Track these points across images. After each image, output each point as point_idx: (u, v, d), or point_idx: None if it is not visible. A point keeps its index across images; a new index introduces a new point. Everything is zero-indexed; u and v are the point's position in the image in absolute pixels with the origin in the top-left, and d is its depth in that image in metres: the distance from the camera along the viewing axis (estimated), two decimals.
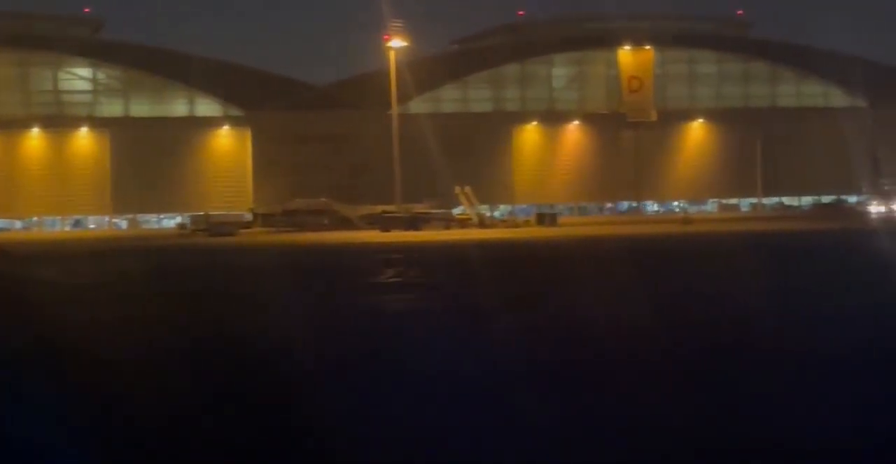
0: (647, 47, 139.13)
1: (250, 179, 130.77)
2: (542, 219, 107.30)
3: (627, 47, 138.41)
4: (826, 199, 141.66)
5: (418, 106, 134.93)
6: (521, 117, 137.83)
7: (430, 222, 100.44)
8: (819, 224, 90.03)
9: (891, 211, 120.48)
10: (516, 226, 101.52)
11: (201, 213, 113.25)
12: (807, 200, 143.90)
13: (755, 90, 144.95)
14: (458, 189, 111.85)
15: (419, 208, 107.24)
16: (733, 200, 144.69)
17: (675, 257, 52.71)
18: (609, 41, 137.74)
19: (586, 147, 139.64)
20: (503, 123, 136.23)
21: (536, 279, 39.02)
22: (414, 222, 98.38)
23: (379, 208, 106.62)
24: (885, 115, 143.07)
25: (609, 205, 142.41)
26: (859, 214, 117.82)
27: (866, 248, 53.91)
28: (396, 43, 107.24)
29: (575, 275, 40.33)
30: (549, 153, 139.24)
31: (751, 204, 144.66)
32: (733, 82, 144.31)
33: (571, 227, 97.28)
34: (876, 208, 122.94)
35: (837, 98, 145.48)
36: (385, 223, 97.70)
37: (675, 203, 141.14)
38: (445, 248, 65.08)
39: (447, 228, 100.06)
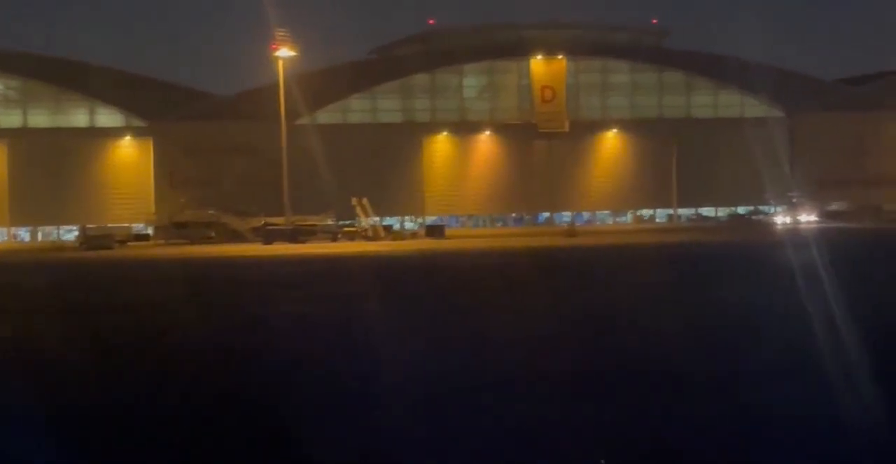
0: (560, 57, 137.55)
1: (153, 190, 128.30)
2: (430, 231, 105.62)
3: (540, 57, 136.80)
4: (743, 210, 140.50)
5: (326, 116, 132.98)
6: (432, 128, 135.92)
7: (316, 235, 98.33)
8: (714, 236, 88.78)
9: (797, 222, 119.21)
10: (402, 238, 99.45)
11: (91, 225, 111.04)
12: (724, 212, 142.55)
13: (670, 100, 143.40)
14: (354, 201, 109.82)
15: (310, 220, 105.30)
16: (649, 211, 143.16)
17: (502, 272, 50.95)
18: (521, 51, 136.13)
19: (498, 158, 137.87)
20: (413, 133, 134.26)
21: (295, 297, 37.15)
22: (296, 235, 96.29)
23: (278, 220, 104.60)
24: (802, 124, 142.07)
25: (525, 216, 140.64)
26: (764, 225, 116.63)
27: (722, 261, 52.47)
28: (284, 52, 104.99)
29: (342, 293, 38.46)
30: (460, 164, 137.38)
31: (667, 215, 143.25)
32: (648, 92, 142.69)
33: (458, 239, 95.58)
34: (782, 219, 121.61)
35: (754, 108, 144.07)
36: (268, 236, 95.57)
37: (567, 215, 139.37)
38: (277, 263, 63.21)
39: (334, 240, 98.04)
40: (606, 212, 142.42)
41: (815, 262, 46.06)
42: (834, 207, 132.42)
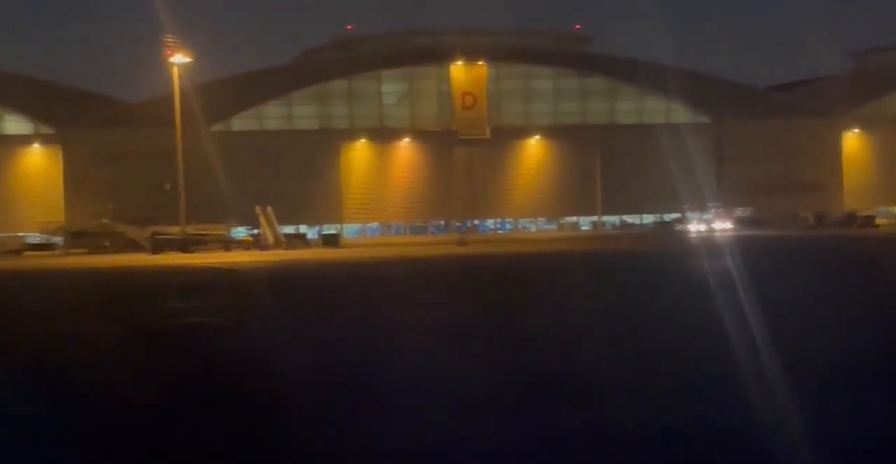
0: (481, 63, 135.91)
1: (62, 198, 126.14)
2: (325, 240, 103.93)
3: (460, 63, 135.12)
4: (668, 217, 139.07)
5: (242, 123, 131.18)
6: (350, 135, 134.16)
7: (207, 244, 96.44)
8: (619, 244, 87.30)
9: (711, 230, 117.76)
10: (294, 248, 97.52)
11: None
12: (650, 219, 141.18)
13: (594, 106, 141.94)
14: (258, 209, 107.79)
15: (213, 229, 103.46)
16: (573, 219, 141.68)
17: (359, 281, 49.22)
18: (441, 56, 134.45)
19: (418, 165, 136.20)
20: (331, 140, 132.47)
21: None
22: (185, 245, 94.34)
23: (174, 229, 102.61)
24: (727, 130, 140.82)
25: (454, 223, 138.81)
26: (678, 233, 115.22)
27: (597, 271, 50.81)
28: (179, 58, 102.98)
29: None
30: (379, 171, 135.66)
31: (592, 222, 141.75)
32: (571, 98, 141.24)
33: (353, 248, 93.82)
34: (696, 227, 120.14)
35: (679, 114, 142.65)
36: (157, 245, 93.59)
37: (490, 223, 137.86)
38: (133, 273, 61.25)
39: (228, 249, 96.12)
40: (529, 219, 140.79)
41: (688, 272, 44.76)
42: (747, 214, 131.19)
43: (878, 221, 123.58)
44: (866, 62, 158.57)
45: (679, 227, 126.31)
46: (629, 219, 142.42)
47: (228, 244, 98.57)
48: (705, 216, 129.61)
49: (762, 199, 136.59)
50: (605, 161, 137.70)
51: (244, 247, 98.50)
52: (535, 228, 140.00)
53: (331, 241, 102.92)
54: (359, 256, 76.68)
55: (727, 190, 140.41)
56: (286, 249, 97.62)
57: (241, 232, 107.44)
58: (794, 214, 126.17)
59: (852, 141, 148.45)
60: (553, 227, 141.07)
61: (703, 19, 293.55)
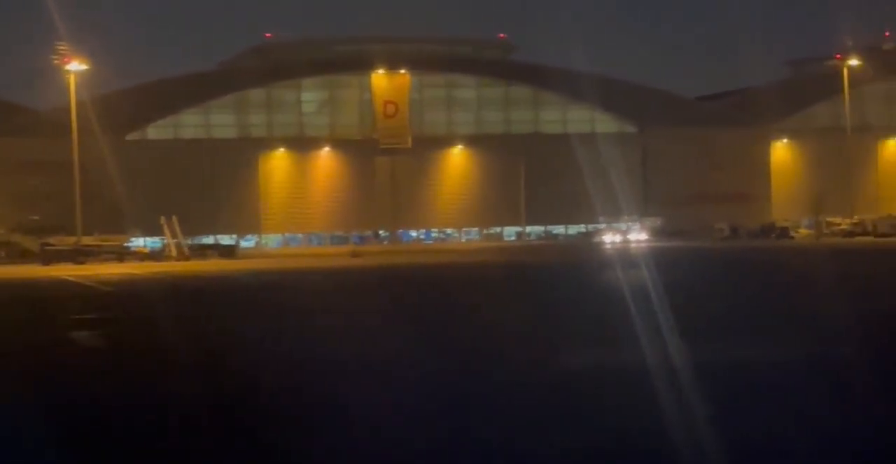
0: (403, 71, 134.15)
1: None
2: (222, 252, 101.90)
3: (382, 71, 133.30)
4: (592, 228, 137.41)
5: (157, 132, 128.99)
6: (269, 144, 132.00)
7: (99, 255, 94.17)
8: (522, 256, 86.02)
9: (627, 241, 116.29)
10: (186, 259, 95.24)
11: None
12: (575, 229, 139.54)
13: (518, 115, 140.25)
14: (162, 220, 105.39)
15: (112, 240, 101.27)
16: (496, 229, 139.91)
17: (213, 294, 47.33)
18: (363, 64, 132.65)
19: (339, 174, 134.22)
20: (249, 149, 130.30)
21: None
22: (76, 255, 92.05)
23: (70, 240, 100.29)
24: (653, 140, 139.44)
25: (380, 234, 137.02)
26: (592, 244, 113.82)
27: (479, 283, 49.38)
28: (75, 66, 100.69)
29: None
30: (299, 181, 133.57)
31: (516, 233, 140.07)
32: (495, 107, 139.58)
33: (250, 260, 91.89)
34: (611, 238, 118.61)
35: (605, 123, 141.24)
36: (47, 256, 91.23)
37: (413, 233, 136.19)
38: None
39: (121, 260, 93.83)
40: (452, 230, 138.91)
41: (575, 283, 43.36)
42: (662, 225, 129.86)
43: (802, 231, 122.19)
44: (802, 72, 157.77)
45: (597, 238, 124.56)
46: (555, 229, 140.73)
47: (122, 255, 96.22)
48: (622, 227, 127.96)
49: (687, 209, 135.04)
50: (529, 171, 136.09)
51: (139, 258, 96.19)
52: (460, 239, 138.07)
53: (227, 252, 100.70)
54: (236, 268, 74.74)
55: (653, 200, 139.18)
56: (186, 260, 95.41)
57: (138, 243, 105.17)
58: (710, 226, 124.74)
59: (781, 151, 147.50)
60: (476, 237, 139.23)
61: (635, 29, 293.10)
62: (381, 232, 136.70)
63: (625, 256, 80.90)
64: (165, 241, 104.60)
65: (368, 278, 57.93)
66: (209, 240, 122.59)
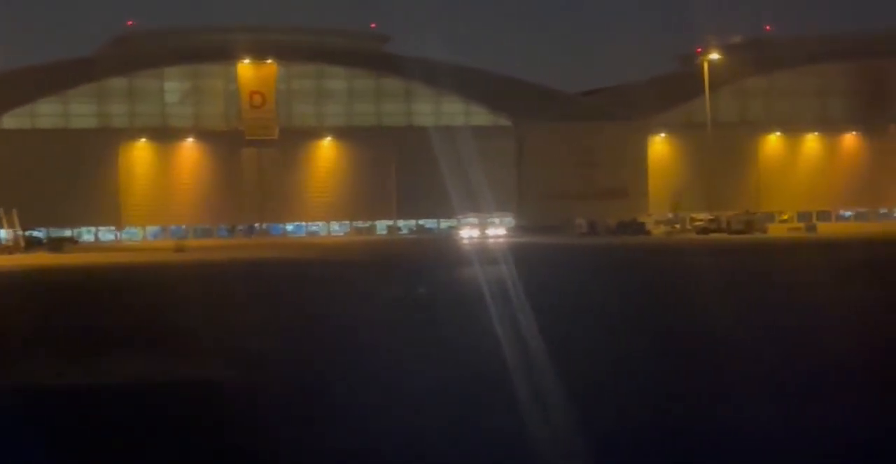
0: (270, 61, 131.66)
1: None
2: (52, 245, 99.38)
3: (248, 61, 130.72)
4: (464, 222, 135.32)
5: (13, 121, 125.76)
6: (130, 134, 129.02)
7: None
8: (368, 252, 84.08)
9: (485, 236, 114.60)
10: (10, 253, 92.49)
11: None
12: (447, 224, 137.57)
13: (390, 108, 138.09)
14: (0, 211, 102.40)
15: None
16: (368, 223, 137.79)
17: None
18: (228, 54, 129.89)
19: (204, 166, 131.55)
20: (109, 140, 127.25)
21: None
22: None
23: None
24: (529, 134, 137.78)
25: (243, 227, 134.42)
26: (447, 239, 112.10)
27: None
28: None
29: None
30: (162, 173, 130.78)
31: (387, 226, 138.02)
32: (366, 99, 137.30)
33: (82, 253, 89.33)
34: (468, 233, 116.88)
35: (479, 116, 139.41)
36: None
37: (290, 226, 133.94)
38: None
39: None
40: (322, 223, 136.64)
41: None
42: (525, 220, 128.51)
43: (661, 227, 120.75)
44: (690, 66, 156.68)
45: (459, 233, 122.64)
46: (428, 223, 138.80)
47: None
48: (486, 222, 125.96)
49: (561, 204, 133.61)
50: (401, 164, 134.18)
51: None
52: (329, 233, 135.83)
53: (57, 245, 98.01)
54: (36, 263, 72.09)
55: (527, 195, 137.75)
56: (23, 253, 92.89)
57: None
58: (569, 222, 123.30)
59: (659, 146, 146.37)
60: (340, 229, 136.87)
61: (528, 25, 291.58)
62: (255, 226, 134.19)
63: (452, 252, 79.19)
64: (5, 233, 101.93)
65: (140, 277, 55.59)
66: (67, 232, 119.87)
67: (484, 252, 73.15)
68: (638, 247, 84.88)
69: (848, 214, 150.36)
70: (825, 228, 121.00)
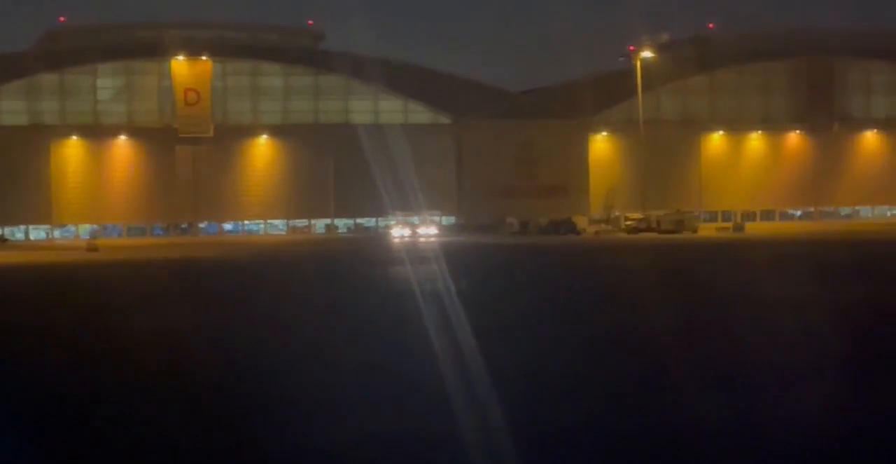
0: (205, 58, 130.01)
1: None
2: None
3: (182, 57, 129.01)
4: (404, 220, 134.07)
5: None
6: (61, 132, 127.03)
7: None
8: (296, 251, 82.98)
9: (415, 235, 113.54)
10: None
11: None
12: (384, 223, 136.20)
13: (328, 105, 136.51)
14: None
15: None
16: (306, 222, 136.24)
17: None
18: (162, 51, 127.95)
19: (137, 164, 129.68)
20: (40, 137, 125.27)
21: None
22: None
23: None
24: (468, 131, 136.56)
25: (185, 225, 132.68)
26: (377, 239, 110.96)
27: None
28: None
29: None
30: (94, 170, 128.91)
31: (325, 225, 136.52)
32: (303, 96, 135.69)
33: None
34: (400, 232, 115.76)
35: (418, 114, 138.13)
36: None
37: (229, 225, 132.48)
38: None
39: None
40: (259, 222, 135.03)
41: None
42: (458, 219, 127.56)
43: (592, 227, 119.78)
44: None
45: (391, 232, 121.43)
46: (366, 222, 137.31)
47: None
48: (419, 220, 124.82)
49: (499, 202, 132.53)
50: (339, 162, 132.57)
51: None
52: (266, 232, 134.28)
53: None
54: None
55: (466, 193, 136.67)
56: None
57: None
58: (501, 221, 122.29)
59: (601, 144, 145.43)
60: (283, 230, 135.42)
61: (458, 20, 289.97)
62: (188, 225, 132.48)
63: (366, 252, 78.12)
64: None
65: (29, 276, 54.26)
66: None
67: (396, 252, 72.23)
68: (555, 246, 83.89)
69: (798, 213, 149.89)
70: (757, 228, 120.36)
